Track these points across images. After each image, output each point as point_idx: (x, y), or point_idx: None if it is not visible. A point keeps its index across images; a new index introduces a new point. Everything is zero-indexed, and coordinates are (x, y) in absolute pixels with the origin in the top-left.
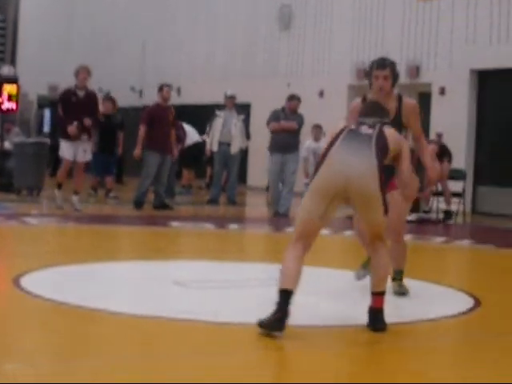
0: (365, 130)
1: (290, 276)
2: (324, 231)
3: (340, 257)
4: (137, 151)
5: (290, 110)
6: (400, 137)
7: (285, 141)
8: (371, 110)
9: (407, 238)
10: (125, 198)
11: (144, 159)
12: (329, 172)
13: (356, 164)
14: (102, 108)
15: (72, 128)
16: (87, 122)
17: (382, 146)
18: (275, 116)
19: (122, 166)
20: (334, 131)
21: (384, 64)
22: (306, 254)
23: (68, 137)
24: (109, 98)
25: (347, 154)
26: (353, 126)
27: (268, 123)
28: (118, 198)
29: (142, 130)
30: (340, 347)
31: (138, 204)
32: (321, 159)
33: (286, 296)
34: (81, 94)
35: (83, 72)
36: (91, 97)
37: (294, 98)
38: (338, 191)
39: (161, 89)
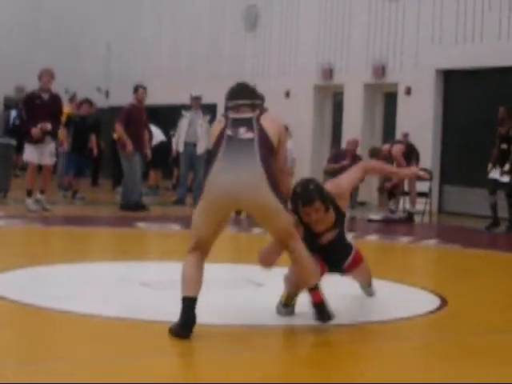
0: (243, 133)
1: (191, 283)
2: None
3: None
4: (129, 148)
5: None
6: (277, 121)
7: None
8: (239, 92)
9: (373, 237)
10: (98, 200)
11: (121, 161)
12: (215, 194)
13: (241, 178)
14: (70, 110)
15: (36, 130)
16: (46, 126)
17: (267, 146)
18: None
19: (97, 168)
20: (214, 133)
21: (311, 199)
22: (204, 259)
23: (32, 140)
24: (86, 101)
25: (230, 169)
26: (229, 132)
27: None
28: (85, 199)
29: (119, 129)
30: (297, 347)
31: (128, 207)
32: (206, 171)
33: (189, 303)
34: (45, 96)
35: (46, 75)
36: (55, 99)
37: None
38: (229, 209)
39: (136, 90)
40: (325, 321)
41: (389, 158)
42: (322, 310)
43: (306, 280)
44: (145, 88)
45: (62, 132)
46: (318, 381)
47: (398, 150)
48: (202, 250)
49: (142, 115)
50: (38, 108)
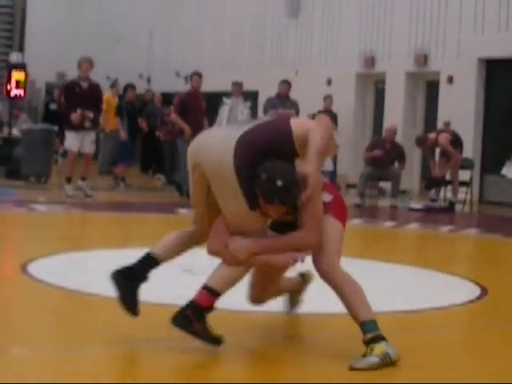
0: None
1: (161, 243)
2: None
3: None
4: (186, 130)
5: (283, 95)
6: (306, 124)
7: None
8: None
9: (414, 226)
10: (139, 185)
11: (178, 148)
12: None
13: (214, 140)
14: (111, 96)
15: (75, 115)
16: (88, 114)
17: (270, 136)
18: (271, 104)
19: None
20: None
21: (271, 198)
22: (192, 235)
23: (73, 127)
24: (130, 86)
25: (213, 133)
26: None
27: (265, 111)
28: (130, 185)
29: (173, 116)
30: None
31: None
32: None
33: (148, 258)
34: (84, 85)
35: (85, 63)
36: (95, 88)
37: (284, 83)
38: (195, 164)
39: (191, 77)
40: (176, 324)
41: (435, 147)
42: (184, 314)
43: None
44: (200, 75)
45: (116, 121)
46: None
47: (444, 138)
48: (196, 225)
49: (199, 102)
50: (77, 96)
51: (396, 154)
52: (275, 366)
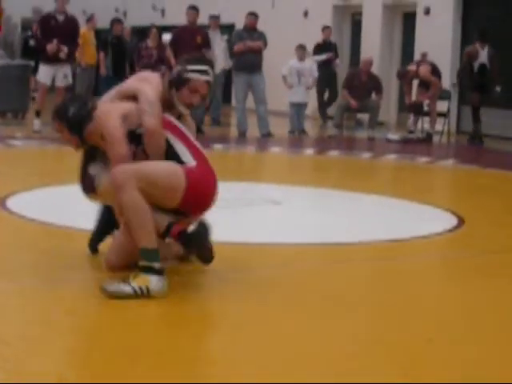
0: None
1: None
2: (308, 151)
3: (323, 176)
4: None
5: (251, 28)
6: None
7: (251, 60)
8: None
9: (392, 157)
10: None
11: None
12: None
13: None
14: (86, 30)
15: (51, 46)
16: (63, 48)
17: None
18: (239, 36)
19: None
20: None
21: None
22: None
23: (47, 60)
24: (118, 20)
25: None
26: None
27: (232, 46)
28: None
29: (168, 52)
30: (323, 264)
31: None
32: None
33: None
34: (60, 18)
35: None
36: (71, 21)
37: (250, 15)
38: None
39: (186, 11)
40: (206, 254)
41: (416, 78)
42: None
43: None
44: (194, 8)
45: (101, 56)
46: (331, 299)
47: (425, 69)
48: None
49: (193, 37)
50: (53, 29)
51: (373, 85)
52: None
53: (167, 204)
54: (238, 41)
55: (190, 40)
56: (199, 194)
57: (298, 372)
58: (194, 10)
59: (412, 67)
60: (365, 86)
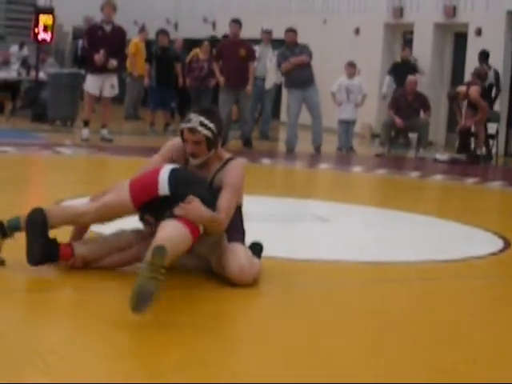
0: None
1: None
2: (356, 169)
3: (370, 194)
4: (220, 81)
5: (291, 44)
6: None
7: (301, 76)
8: None
9: (439, 177)
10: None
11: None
12: None
13: None
14: (139, 40)
15: (98, 56)
16: (112, 62)
17: None
18: (283, 56)
19: (186, 98)
20: None
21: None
22: None
23: (95, 70)
24: (163, 31)
25: None
26: None
27: (279, 65)
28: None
29: (213, 64)
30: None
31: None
32: None
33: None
34: (107, 28)
35: (108, 7)
36: (118, 31)
37: (288, 31)
38: None
39: (229, 25)
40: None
41: (466, 99)
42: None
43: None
44: (237, 22)
45: (145, 67)
46: (371, 318)
47: (475, 91)
48: None
49: (236, 50)
50: (100, 39)
51: (419, 104)
52: None
53: None
54: (282, 60)
55: (234, 53)
56: None
57: None
58: (236, 23)
59: (462, 88)
60: (411, 105)
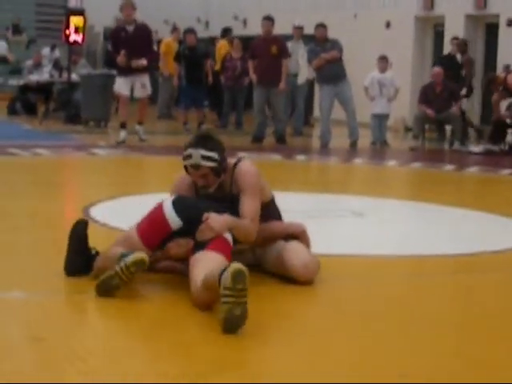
0: None
1: None
2: (390, 163)
3: (405, 188)
4: (252, 79)
5: (321, 40)
6: None
7: (332, 71)
8: None
9: (474, 169)
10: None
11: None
12: None
13: None
14: (172, 41)
15: (120, 58)
16: (138, 63)
17: None
18: (314, 52)
19: (218, 95)
20: None
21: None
22: None
23: (121, 71)
24: (191, 31)
25: None
26: None
27: (310, 62)
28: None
29: (249, 63)
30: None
31: (256, 139)
32: None
33: None
34: (130, 28)
35: (127, 7)
36: (141, 30)
37: (318, 27)
38: None
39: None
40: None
41: (503, 86)
42: None
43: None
44: (269, 19)
45: (174, 67)
46: (407, 313)
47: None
48: None
49: (268, 48)
50: (123, 41)
51: (448, 94)
52: None
53: None
54: (313, 56)
55: (266, 50)
56: None
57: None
58: (268, 20)
59: (501, 74)
60: (440, 96)
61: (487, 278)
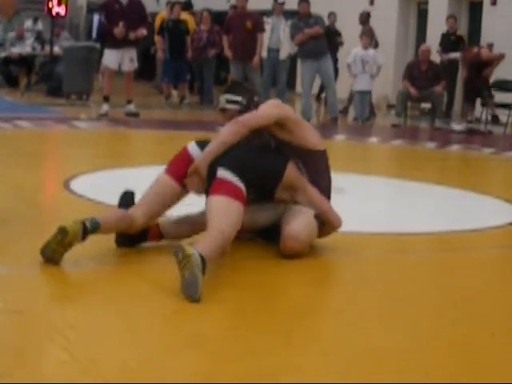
0: None
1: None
2: (372, 139)
3: (387, 165)
4: (227, 54)
5: (305, 15)
6: None
7: (315, 47)
8: None
9: (455, 147)
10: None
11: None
12: None
13: None
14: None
15: (118, 29)
16: (140, 33)
17: None
18: (296, 27)
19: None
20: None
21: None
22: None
23: (113, 45)
24: (177, 2)
25: None
26: None
27: (292, 37)
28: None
29: (223, 38)
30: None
31: None
32: None
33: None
34: (124, 1)
35: None
36: (135, 3)
37: (301, 2)
38: None
39: None
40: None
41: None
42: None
43: None
44: None
45: (158, 40)
46: (389, 291)
47: (485, 51)
48: None
49: (243, 23)
50: (118, 13)
51: (433, 73)
52: None
53: None
54: (295, 31)
55: (240, 25)
56: None
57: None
58: None
59: (474, 49)
60: (425, 75)
61: (464, 256)
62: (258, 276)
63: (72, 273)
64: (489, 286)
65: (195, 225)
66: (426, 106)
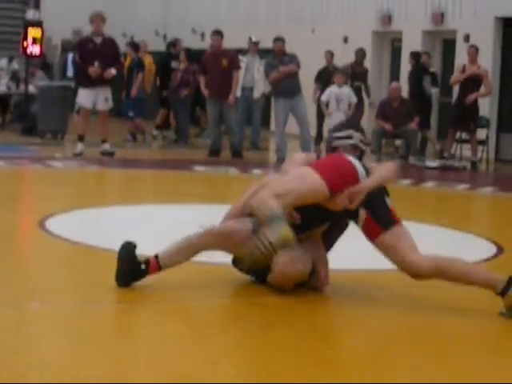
0: None
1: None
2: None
3: None
4: (204, 94)
5: (280, 53)
6: None
7: (289, 85)
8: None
9: (430, 184)
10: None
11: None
12: None
13: None
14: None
15: (93, 69)
16: (110, 73)
17: None
18: (271, 66)
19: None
20: None
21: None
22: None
23: (87, 84)
24: (134, 44)
25: None
26: None
27: (267, 75)
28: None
29: (200, 77)
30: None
31: (212, 152)
32: None
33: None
34: (98, 40)
35: (97, 19)
36: (109, 43)
37: (276, 40)
38: None
39: (211, 37)
40: None
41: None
42: None
43: None
44: (218, 33)
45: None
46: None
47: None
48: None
49: (219, 62)
50: (92, 52)
51: (406, 109)
52: None
53: None
54: (270, 69)
55: (216, 64)
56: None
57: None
58: (218, 34)
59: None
60: (398, 112)
61: (441, 292)
62: None
63: (44, 310)
64: (467, 320)
65: (195, 248)
66: (400, 143)
